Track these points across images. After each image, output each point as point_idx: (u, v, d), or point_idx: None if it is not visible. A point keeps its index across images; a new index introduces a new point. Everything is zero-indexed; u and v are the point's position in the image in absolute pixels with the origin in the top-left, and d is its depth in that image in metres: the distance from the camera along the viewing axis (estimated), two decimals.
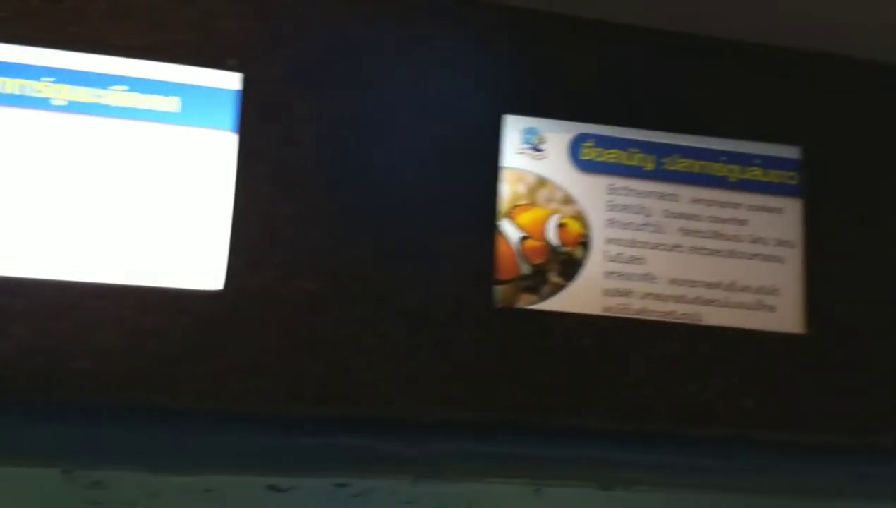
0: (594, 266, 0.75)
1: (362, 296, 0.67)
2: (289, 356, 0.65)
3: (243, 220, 0.66)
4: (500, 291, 0.72)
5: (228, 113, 0.68)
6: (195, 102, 0.67)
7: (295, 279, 0.66)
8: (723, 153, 0.79)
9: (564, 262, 0.75)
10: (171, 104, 0.66)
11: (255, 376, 0.64)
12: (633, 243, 0.76)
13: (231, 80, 0.67)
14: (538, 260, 0.74)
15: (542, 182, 0.75)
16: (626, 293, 0.75)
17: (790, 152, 0.80)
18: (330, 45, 0.69)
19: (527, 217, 0.75)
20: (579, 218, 0.75)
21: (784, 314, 0.77)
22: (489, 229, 0.71)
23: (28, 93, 0.65)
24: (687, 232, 0.77)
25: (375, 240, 0.67)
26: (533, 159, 0.75)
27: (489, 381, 0.68)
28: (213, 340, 0.63)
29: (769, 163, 0.80)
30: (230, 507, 0.63)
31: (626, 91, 0.76)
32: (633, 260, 0.76)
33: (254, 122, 0.67)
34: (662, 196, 0.77)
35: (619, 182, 0.77)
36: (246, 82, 0.67)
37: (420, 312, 0.68)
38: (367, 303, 0.67)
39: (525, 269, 0.74)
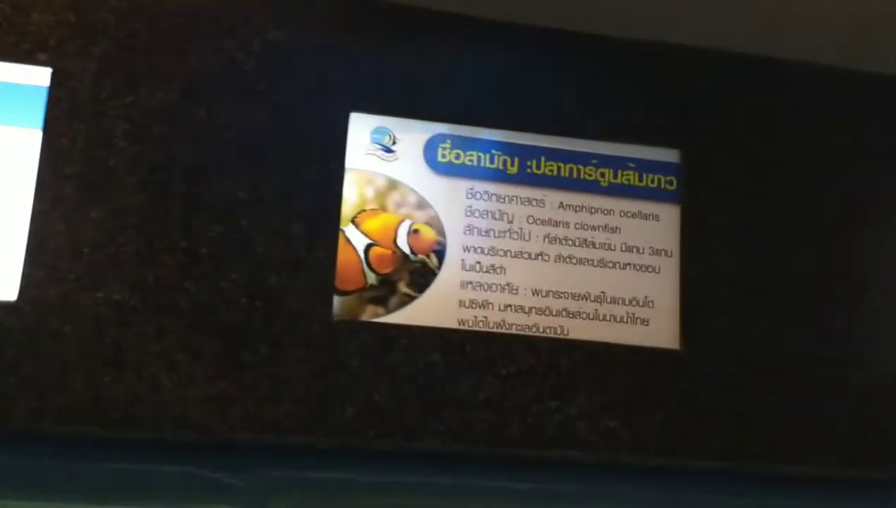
0: (449, 275, 0.69)
1: (174, 308, 0.60)
2: (91, 373, 0.58)
3: (43, 225, 0.59)
4: (341, 303, 0.66)
5: (36, 110, 0.62)
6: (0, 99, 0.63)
7: (99, 289, 0.60)
8: (594, 156, 0.73)
9: (416, 272, 0.69)
10: None
11: (52, 394, 0.58)
12: (493, 251, 0.70)
13: (40, 76, 0.62)
14: (386, 270, 0.69)
15: (392, 185, 0.70)
16: (483, 305, 0.69)
17: (668, 155, 0.74)
18: (150, 38, 0.63)
19: (374, 223, 0.69)
20: (434, 224, 0.69)
21: (658, 328, 0.71)
22: (330, 236, 0.66)
23: None
24: (553, 239, 0.71)
25: (192, 247, 0.61)
26: (383, 161, 0.70)
27: (321, 402, 0.62)
28: (4, 355, 0.57)
29: (645, 166, 0.74)
30: None
31: (488, 89, 0.71)
32: (493, 269, 0.70)
33: (62, 120, 0.61)
34: (526, 201, 0.71)
35: (479, 185, 0.71)
36: (55, 78, 0.62)
37: (243, 326, 0.62)
38: (180, 316, 0.61)
39: (371, 279, 0.68)
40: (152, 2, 0.64)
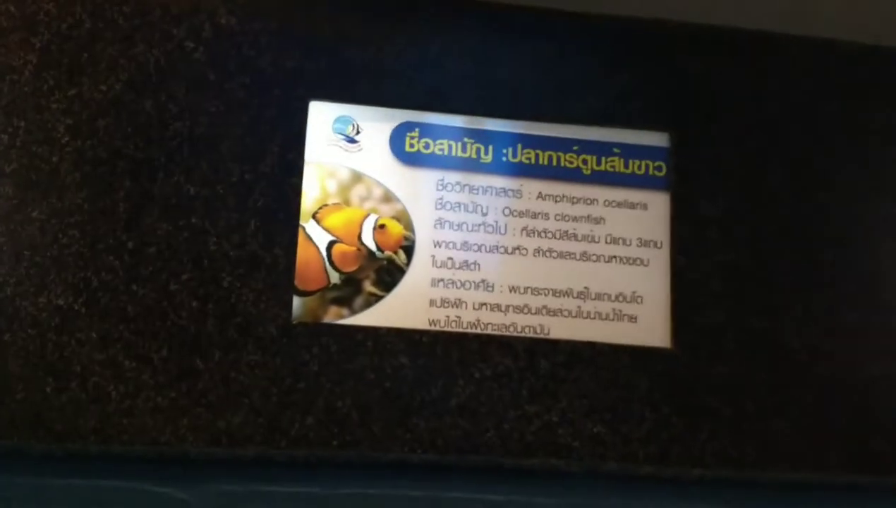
0: (419, 273, 0.64)
1: (120, 313, 0.57)
2: (33, 382, 0.55)
3: None
4: (301, 304, 0.62)
5: None
6: None
7: (41, 294, 0.56)
8: (575, 141, 0.68)
9: (383, 270, 0.64)
10: None
11: None
12: (465, 246, 0.65)
13: None
14: (350, 268, 0.64)
15: (356, 177, 0.65)
16: (456, 303, 0.65)
17: (656, 139, 0.69)
18: (94, 28, 0.60)
19: (337, 218, 0.65)
20: (401, 218, 0.65)
21: (647, 325, 0.66)
22: (289, 232, 0.62)
23: None
24: (531, 232, 0.66)
25: (139, 247, 0.57)
26: (346, 152, 0.66)
27: (279, 410, 0.58)
28: None
29: (631, 152, 0.69)
30: None
31: (458, 73, 0.66)
32: (466, 265, 0.65)
33: (1, 116, 0.58)
34: (502, 191, 0.66)
35: (451, 176, 0.66)
36: None
37: (195, 330, 0.58)
38: (127, 321, 0.57)
39: (334, 278, 0.63)
40: None
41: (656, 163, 0.69)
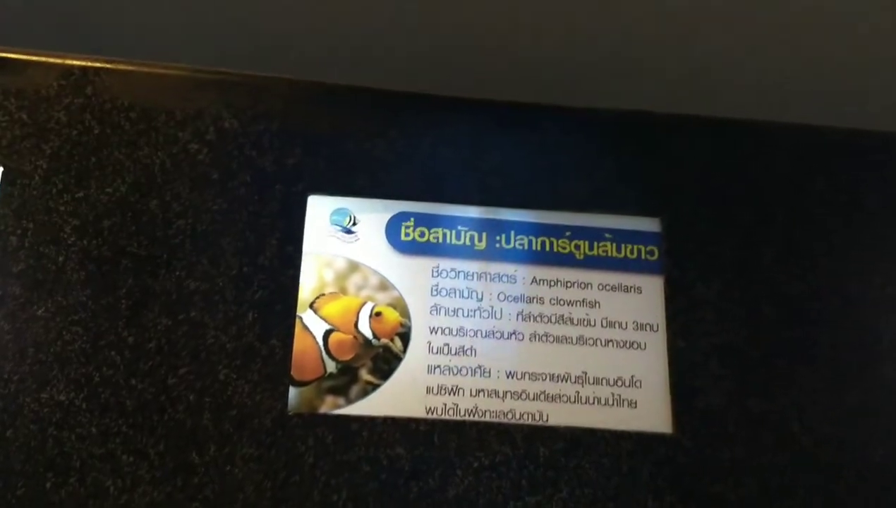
0: (415, 360, 0.65)
1: (120, 408, 0.57)
2: (34, 477, 0.55)
3: None
4: (298, 394, 0.63)
5: None
6: None
7: (43, 390, 0.58)
8: (567, 228, 0.70)
9: (379, 357, 0.65)
10: None
11: None
12: (462, 332, 0.66)
13: None
14: (347, 356, 0.65)
15: (353, 267, 0.67)
16: (453, 390, 0.65)
17: (648, 224, 0.70)
18: (102, 133, 0.63)
19: (334, 307, 0.66)
20: (397, 305, 0.66)
21: (647, 410, 0.65)
22: (287, 323, 0.63)
23: None
24: (527, 317, 0.67)
25: (139, 342, 0.58)
26: (343, 243, 0.68)
27: (274, 504, 0.57)
28: None
29: (623, 236, 0.69)
30: None
31: (452, 164, 0.68)
32: (462, 351, 0.65)
33: (11, 218, 0.60)
34: (497, 277, 0.68)
35: (446, 263, 0.67)
36: (6, 176, 0.60)
37: (191, 424, 0.58)
38: (127, 416, 0.58)
39: (331, 367, 0.64)
40: (106, 98, 0.64)
41: (648, 248, 0.70)
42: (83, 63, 0.64)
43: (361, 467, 0.58)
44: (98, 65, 0.64)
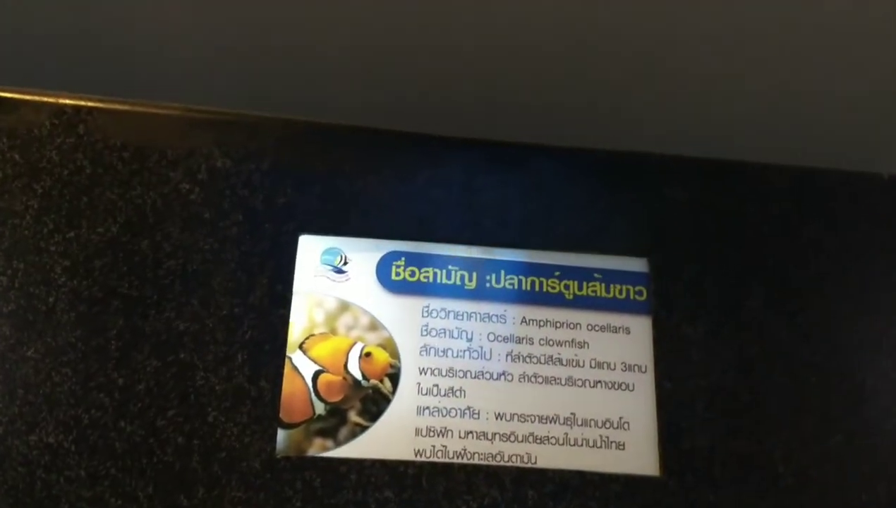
0: (404, 401, 0.65)
1: (108, 450, 0.57)
2: None
3: None
4: (286, 437, 0.63)
5: None
6: None
7: (32, 432, 0.58)
8: (556, 267, 0.70)
9: (368, 398, 0.65)
10: None
11: None
12: (451, 372, 0.66)
13: None
14: (336, 398, 0.65)
15: (344, 306, 0.67)
16: (442, 432, 0.65)
17: (636, 265, 0.71)
18: (94, 173, 0.63)
19: (324, 348, 0.66)
20: (387, 345, 0.66)
21: (635, 452, 0.65)
22: (276, 364, 0.63)
23: None
24: (516, 357, 0.67)
25: (128, 383, 0.59)
26: (334, 282, 0.68)
27: None
28: None
29: (612, 277, 0.70)
30: None
31: (443, 204, 0.68)
32: (452, 392, 0.66)
33: (2, 259, 0.60)
34: (486, 317, 0.68)
35: (436, 303, 0.68)
36: None
37: (180, 467, 0.59)
38: (114, 458, 0.57)
39: (320, 409, 0.64)
40: (98, 137, 0.64)
41: (637, 288, 0.71)
42: (75, 102, 0.65)
43: None
44: (91, 104, 0.65)
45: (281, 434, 0.61)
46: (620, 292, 0.70)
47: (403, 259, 0.69)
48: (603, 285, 0.70)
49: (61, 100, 0.65)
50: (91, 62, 0.63)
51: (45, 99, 0.65)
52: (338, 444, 0.62)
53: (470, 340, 0.67)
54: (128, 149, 0.64)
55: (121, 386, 0.58)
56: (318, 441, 0.62)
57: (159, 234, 0.62)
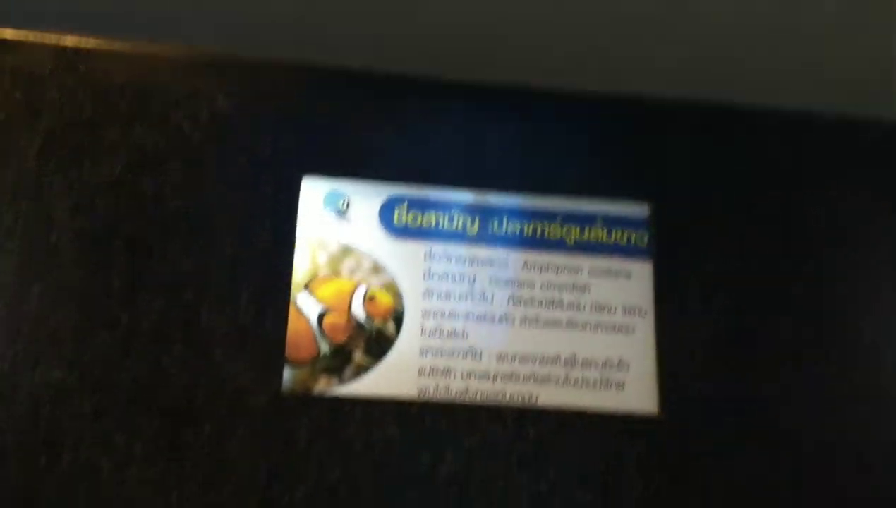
0: (408, 342, 0.65)
1: (114, 387, 0.57)
2: (26, 455, 0.56)
3: None
4: (291, 375, 0.63)
5: None
6: None
7: (37, 368, 0.58)
8: (558, 213, 0.71)
9: (372, 340, 0.65)
10: None
11: None
12: (453, 315, 0.66)
13: None
14: (340, 338, 0.65)
15: (346, 250, 0.67)
16: (445, 372, 0.66)
17: (638, 210, 0.71)
18: (95, 112, 0.63)
19: (328, 290, 0.66)
20: (390, 289, 0.66)
21: (634, 392, 0.66)
22: (280, 305, 0.63)
23: None
24: (518, 301, 0.68)
25: (133, 321, 0.59)
26: (337, 226, 0.68)
27: (269, 483, 0.58)
28: None
29: (614, 222, 0.71)
30: None
31: (445, 149, 0.69)
32: (454, 334, 0.66)
33: (5, 198, 0.60)
34: (488, 262, 0.69)
35: (438, 248, 0.68)
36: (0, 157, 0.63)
37: (185, 404, 0.59)
38: (120, 395, 0.58)
39: (325, 348, 0.65)
40: (100, 76, 0.64)
41: (638, 233, 0.71)
42: (77, 43, 0.64)
43: (355, 446, 0.59)
44: (92, 44, 0.64)
45: (287, 373, 0.61)
46: (622, 237, 0.70)
47: (406, 203, 0.69)
48: (605, 230, 0.70)
49: (63, 41, 0.64)
50: (92, 1, 0.62)
51: (47, 40, 0.64)
52: (343, 382, 0.62)
53: (472, 284, 0.67)
54: (129, 90, 0.63)
55: (125, 324, 0.58)
56: (323, 380, 0.62)
57: (161, 175, 0.62)
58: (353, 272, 0.66)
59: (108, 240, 0.61)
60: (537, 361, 0.66)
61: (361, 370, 0.64)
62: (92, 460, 0.56)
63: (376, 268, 0.66)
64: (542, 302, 0.67)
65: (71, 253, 0.60)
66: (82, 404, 0.57)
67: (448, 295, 0.67)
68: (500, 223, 0.69)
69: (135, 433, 0.57)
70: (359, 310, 0.65)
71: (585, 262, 0.69)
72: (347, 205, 0.68)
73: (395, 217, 0.68)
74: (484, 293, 0.67)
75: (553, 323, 0.67)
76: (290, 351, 0.63)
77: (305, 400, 0.61)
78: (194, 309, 0.60)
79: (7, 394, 0.57)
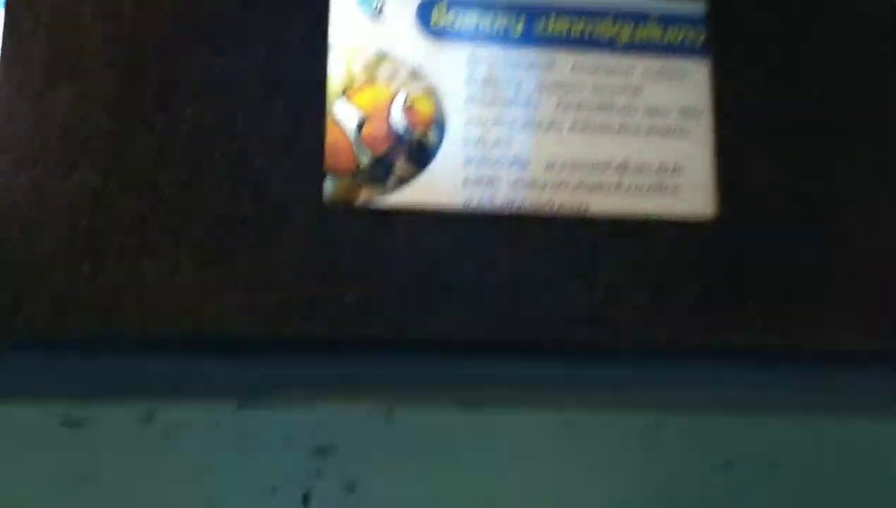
0: (451, 152, 0.62)
1: (156, 193, 0.55)
2: (67, 266, 0.54)
3: (7, 109, 0.56)
4: (333, 185, 0.61)
5: None
6: None
7: (73, 174, 0.56)
8: (609, 10, 0.65)
9: (414, 149, 0.62)
10: None
11: (26, 290, 0.55)
12: (498, 122, 0.63)
13: None
14: (380, 148, 0.62)
15: (382, 55, 0.63)
16: (491, 182, 0.63)
17: (694, 6, 0.66)
18: None
19: (365, 98, 0.63)
20: (431, 95, 0.62)
21: (689, 195, 0.63)
22: (317, 113, 0.60)
23: None
24: (566, 106, 0.64)
25: (171, 125, 0.56)
26: (371, 28, 0.64)
27: (317, 291, 0.57)
28: None
29: (668, 19, 0.65)
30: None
31: None
32: (500, 142, 0.63)
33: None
34: (535, 65, 0.64)
35: (481, 51, 0.64)
36: None
37: (229, 211, 0.57)
38: (163, 202, 0.56)
39: (365, 159, 0.62)
40: None
41: (695, 31, 0.66)
42: None
43: (402, 256, 0.58)
44: None
45: (328, 183, 0.59)
46: (676, 36, 0.65)
47: (445, 2, 0.64)
48: (659, 28, 0.65)
49: None
50: None
51: None
52: (385, 193, 0.60)
53: (518, 89, 0.64)
54: None
55: (160, 130, 0.56)
56: (364, 190, 0.60)
57: None
58: (390, 79, 0.62)
59: (138, 45, 0.57)
60: (587, 168, 0.63)
61: (403, 181, 0.61)
62: (139, 268, 0.56)
63: (415, 74, 0.62)
64: (591, 106, 0.63)
65: (100, 56, 0.56)
66: (124, 211, 0.56)
67: (492, 102, 0.63)
68: (547, 23, 0.65)
69: (180, 239, 0.56)
70: (398, 119, 0.62)
71: (638, 63, 0.64)
72: (382, 5, 0.63)
73: (434, 17, 0.64)
74: (530, 98, 0.63)
75: (604, 129, 0.63)
76: (329, 161, 0.60)
77: (348, 211, 0.59)
78: (230, 115, 0.58)
79: (41, 204, 0.56)
